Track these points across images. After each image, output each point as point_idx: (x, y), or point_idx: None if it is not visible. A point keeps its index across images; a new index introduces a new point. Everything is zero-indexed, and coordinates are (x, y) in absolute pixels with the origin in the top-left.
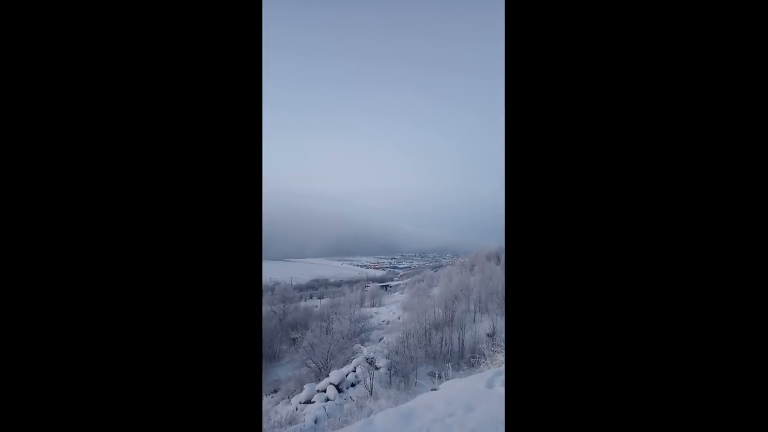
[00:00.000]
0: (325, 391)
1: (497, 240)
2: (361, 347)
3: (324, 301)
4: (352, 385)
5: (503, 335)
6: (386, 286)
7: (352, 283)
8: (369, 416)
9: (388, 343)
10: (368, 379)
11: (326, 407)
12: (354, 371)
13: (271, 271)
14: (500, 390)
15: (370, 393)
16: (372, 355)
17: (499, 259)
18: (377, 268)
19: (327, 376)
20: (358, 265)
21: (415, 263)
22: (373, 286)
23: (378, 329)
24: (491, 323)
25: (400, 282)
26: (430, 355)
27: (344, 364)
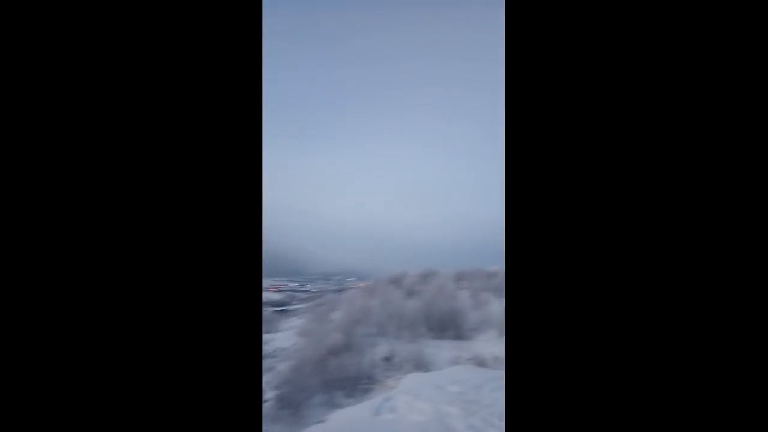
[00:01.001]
0: None
1: (400, 265)
2: None
3: None
4: None
5: (397, 359)
6: (284, 310)
7: None
8: None
9: (280, 372)
10: None
11: None
12: None
13: None
14: (387, 416)
15: None
16: None
17: (400, 284)
18: (276, 291)
19: None
20: None
21: (318, 286)
22: (269, 310)
23: (271, 357)
24: (389, 347)
25: (300, 306)
26: (325, 383)
27: None
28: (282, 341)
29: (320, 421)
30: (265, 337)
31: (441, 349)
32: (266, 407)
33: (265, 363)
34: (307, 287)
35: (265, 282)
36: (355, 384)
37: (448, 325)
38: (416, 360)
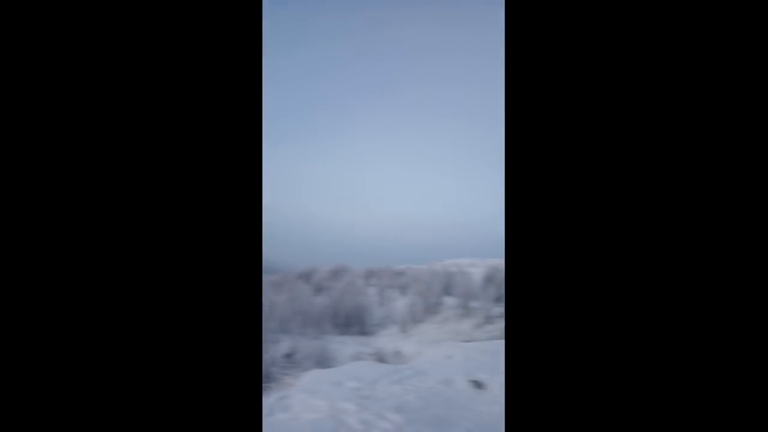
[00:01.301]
0: None
1: (311, 260)
2: None
3: None
4: None
5: (299, 356)
6: None
7: None
8: None
9: None
10: None
11: None
12: None
13: None
14: (280, 416)
15: None
16: None
17: (309, 279)
18: None
19: None
20: None
21: None
22: None
23: None
24: (291, 343)
25: None
26: None
27: None
28: None
29: None
30: None
31: (344, 345)
32: None
33: None
34: None
35: None
36: None
37: (353, 321)
38: (318, 356)
